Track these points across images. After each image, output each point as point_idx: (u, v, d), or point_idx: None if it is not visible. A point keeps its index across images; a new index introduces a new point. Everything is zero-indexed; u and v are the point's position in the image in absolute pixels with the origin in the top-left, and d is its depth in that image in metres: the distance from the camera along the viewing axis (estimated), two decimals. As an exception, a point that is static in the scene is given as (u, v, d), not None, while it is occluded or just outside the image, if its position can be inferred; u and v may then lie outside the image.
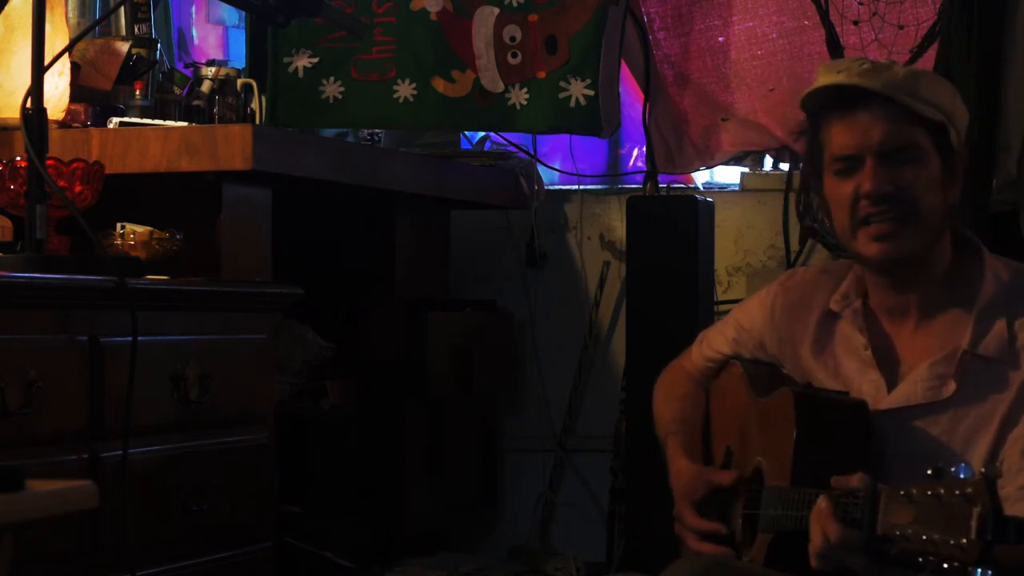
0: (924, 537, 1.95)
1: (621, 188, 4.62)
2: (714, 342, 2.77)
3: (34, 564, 2.37)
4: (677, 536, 2.66)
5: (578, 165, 4.62)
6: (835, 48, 4.00)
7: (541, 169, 4.52)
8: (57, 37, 3.33)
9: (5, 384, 2.51)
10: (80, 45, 3.58)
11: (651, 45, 4.31)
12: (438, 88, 4.18)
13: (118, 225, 3.15)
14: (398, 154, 4.07)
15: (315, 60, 4.20)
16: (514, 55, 4.16)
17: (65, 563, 2.63)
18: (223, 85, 3.81)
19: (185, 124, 3.45)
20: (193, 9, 4.54)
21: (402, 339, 4.05)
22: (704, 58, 4.24)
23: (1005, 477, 2.05)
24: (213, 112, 3.79)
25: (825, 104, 2.46)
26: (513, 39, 4.16)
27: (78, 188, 3.03)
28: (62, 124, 3.39)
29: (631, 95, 4.44)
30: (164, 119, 3.54)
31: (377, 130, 4.33)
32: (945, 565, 1.91)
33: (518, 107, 4.17)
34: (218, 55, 4.54)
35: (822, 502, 2.18)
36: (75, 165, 3.04)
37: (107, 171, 3.12)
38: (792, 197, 4.31)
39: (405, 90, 4.18)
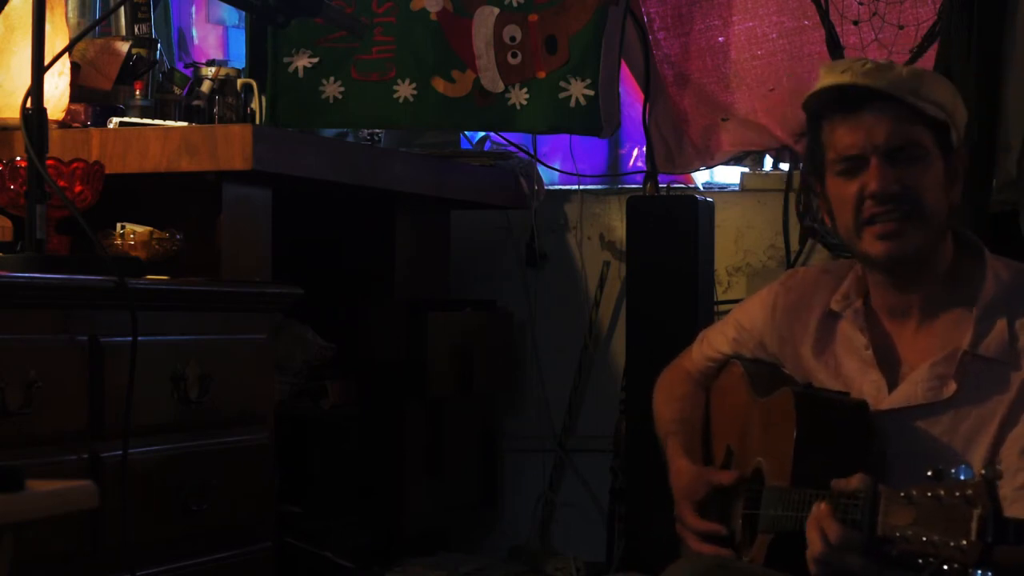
0: (924, 538, 1.94)
1: (621, 188, 4.61)
2: (715, 342, 2.77)
3: (34, 564, 2.37)
4: (678, 536, 2.66)
5: (578, 165, 4.62)
6: (835, 48, 4.00)
7: (541, 169, 4.52)
8: (57, 37, 3.33)
9: (5, 384, 2.51)
10: (80, 45, 3.58)
11: (651, 45, 4.31)
12: (438, 88, 4.18)
13: (118, 225, 3.15)
14: (398, 154, 4.07)
15: (315, 60, 4.20)
16: (514, 55, 4.16)
17: (65, 563, 2.63)
18: (223, 85, 3.81)
19: (185, 124, 3.44)
20: (193, 9, 4.54)
21: (402, 339, 4.05)
22: (704, 58, 4.24)
23: (1003, 477, 2.04)
24: (213, 112, 3.79)
25: (827, 105, 2.45)
26: (513, 39, 4.16)
27: (78, 188, 3.03)
28: (62, 124, 3.39)
29: (631, 95, 4.44)
30: (164, 119, 3.54)
31: (377, 130, 4.33)
32: (945, 567, 1.91)
33: (518, 107, 4.17)
34: (218, 55, 4.53)
35: (820, 507, 2.18)
36: (75, 165, 3.04)
37: (107, 171, 3.12)
38: (792, 197, 4.32)
39: (405, 90, 4.18)
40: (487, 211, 4.51)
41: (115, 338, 2.72)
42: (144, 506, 2.79)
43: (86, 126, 3.45)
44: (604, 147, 4.69)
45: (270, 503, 3.18)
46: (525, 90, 4.16)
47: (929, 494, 1.96)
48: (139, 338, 2.68)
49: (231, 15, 4.61)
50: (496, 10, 4.17)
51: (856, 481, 2.14)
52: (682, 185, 4.53)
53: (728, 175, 4.58)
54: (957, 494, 1.93)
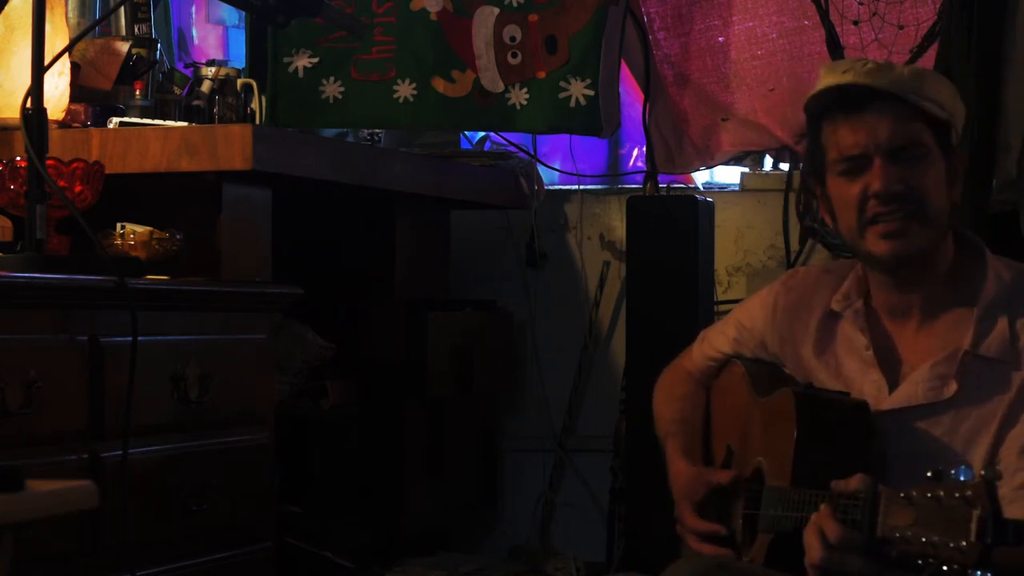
0: (924, 539, 1.94)
1: (621, 188, 4.61)
2: (715, 341, 2.77)
3: (34, 564, 2.37)
4: (678, 537, 2.66)
5: (578, 165, 4.62)
6: (835, 48, 4.00)
7: (541, 169, 4.52)
8: (57, 37, 3.33)
9: (5, 384, 2.51)
10: (80, 45, 3.58)
11: (651, 45, 4.31)
12: (438, 88, 4.18)
13: (118, 225, 3.15)
14: (398, 154, 4.07)
15: (315, 60, 4.20)
16: (514, 55, 4.16)
17: (65, 563, 2.63)
18: (223, 85, 3.81)
19: (185, 124, 3.44)
20: (193, 9, 4.54)
21: (402, 339, 4.05)
22: (704, 58, 4.24)
23: (1003, 478, 2.04)
24: (213, 112, 3.79)
25: (829, 105, 2.45)
26: (513, 39, 4.16)
27: (78, 188, 3.03)
28: (62, 124, 3.39)
29: (631, 95, 4.44)
30: (164, 119, 3.54)
31: (377, 130, 4.33)
32: (944, 568, 1.91)
33: (518, 107, 4.17)
34: (218, 55, 4.53)
35: (819, 510, 2.18)
36: (75, 165, 3.04)
37: (107, 171, 3.12)
38: (792, 197, 4.32)
39: (405, 90, 4.18)
40: (487, 211, 4.51)
41: (115, 338, 2.72)
42: (144, 506, 2.79)
43: (86, 126, 3.45)
44: (604, 147, 4.69)
45: (270, 503, 3.18)
46: (525, 90, 4.16)
47: (929, 495, 1.96)
48: (139, 338, 2.68)
49: (231, 15, 4.61)
50: (496, 10, 4.17)
51: (856, 482, 2.14)
52: (682, 185, 4.53)
53: (728, 175, 4.58)
54: (957, 495, 1.93)
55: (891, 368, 2.47)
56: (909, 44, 3.95)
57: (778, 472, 2.42)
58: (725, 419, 2.72)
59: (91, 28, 3.54)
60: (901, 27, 3.98)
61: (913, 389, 2.43)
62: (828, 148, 2.45)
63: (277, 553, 3.23)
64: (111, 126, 3.37)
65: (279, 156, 3.35)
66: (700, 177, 4.58)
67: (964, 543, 1.90)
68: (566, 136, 4.49)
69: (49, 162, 2.87)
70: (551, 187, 4.60)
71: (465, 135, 4.62)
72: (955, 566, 1.91)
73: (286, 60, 4.21)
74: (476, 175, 4.25)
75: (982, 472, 1.93)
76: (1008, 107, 3.56)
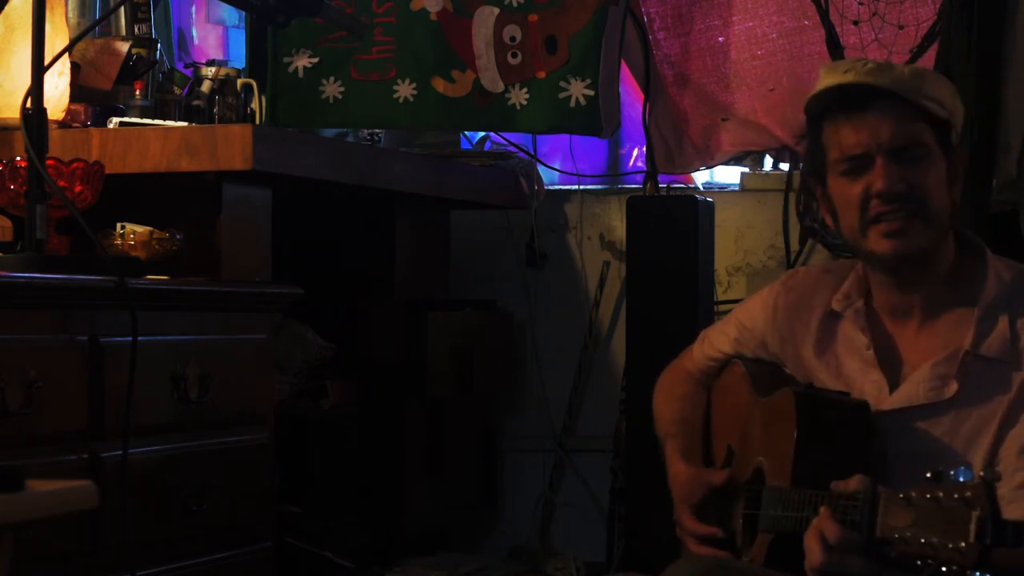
0: (923, 540, 1.94)
1: (621, 188, 4.61)
2: (716, 341, 2.77)
3: (34, 564, 2.37)
4: (678, 538, 2.66)
5: (578, 165, 4.62)
6: (835, 48, 4.00)
7: (541, 169, 4.52)
8: (57, 37, 3.33)
9: (5, 384, 2.51)
10: (80, 45, 3.58)
11: (651, 45, 4.31)
12: (438, 88, 4.18)
13: (118, 225, 3.15)
14: (398, 154, 4.07)
15: (315, 60, 4.20)
16: (514, 55, 4.16)
17: (65, 563, 2.63)
18: (223, 85, 3.81)
19: (185, 124, 3.45)
20: (193, 9, 4.54)
21: (402, 339, 4.05)
22: (704, 58, 4.24)
23: (1002, 478, 2.04)
24: (213, 112, 3.79)
25: (830, 105, 2.45)
26: (513, 39, 4.16)
27: (78, 188, 3.03)
28: (62, 124, 3.39)
29: (631, 95, 4.44)
30: (164, 119, 3.54)
31: (377, 130, 4.33)
32: (944, 568, 1.91)
33: (518, 107, 4.17)
34: (218, 55, 4.53)
35: (820, 513, 2.17)
36: (75, 165, 3.04)
37: (107, 171, 3.12)
38: (792, 197, 4.32)
39: (405, 90, 4.18)
40: (487, 211, 4.51)
41: (115, 338, 2.72)
42: (144, 506, 2.79)
43: (86, 126, 3.45)
44: (604, 147, 4.69)
45: (270, 503, 3.18)
46: (525, 90, 4.16)
47: (928, 496, 1.96)
48: (139, 338, 2.68)
49: (231, 15, 4.61)
50: (496, 10, 4.17)
51: (855, 482, 2.14)
52: (682, 185, 4.53)
53: (728, 175, 4.58)
54: (956, 496, 1.93)
55: (892, 368, 2.47)
56: (909, 44, 3.95)
57: (778, 472, 2.42)
58: (726, 419, 2.72)
59: (91, 28, 3.54)
60: (901, 27, 3.98)
61: (914, 389, 2.43)
62: (829, 148, 2.45)
63: (277, 553, 3.23)
64: (111, 126, 3.37)
65: (279, 156, 3.35)
66: (700, 177, 4.58)
67: (963, 544, 1.90)
68: (566, 136, 4.49)
69: (49, 162, 2.87)
70: (551, 187, 4.60)
71: (465, 135, 4.62)
72: (954, 567, 1.91)
73: (286, 60, 4.21)
74: (476, 175, 4.25)
75: (981, 473, 1.93)
76: (1008, 107, 3.56)
